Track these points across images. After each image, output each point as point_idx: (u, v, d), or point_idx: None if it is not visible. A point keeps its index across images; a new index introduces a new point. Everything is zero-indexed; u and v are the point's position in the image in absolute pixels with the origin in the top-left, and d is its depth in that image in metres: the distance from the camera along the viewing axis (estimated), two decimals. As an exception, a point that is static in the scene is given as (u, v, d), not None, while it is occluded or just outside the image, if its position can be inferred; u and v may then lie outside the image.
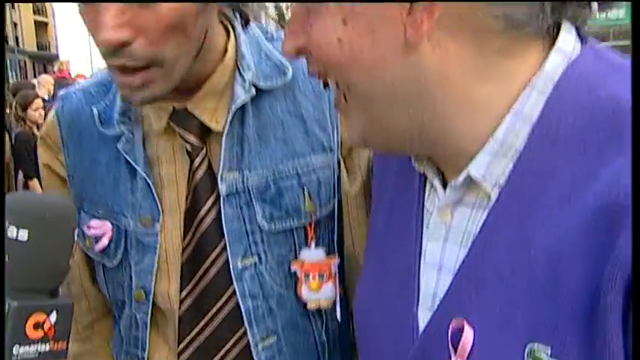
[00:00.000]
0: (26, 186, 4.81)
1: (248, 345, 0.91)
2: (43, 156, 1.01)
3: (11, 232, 0.62)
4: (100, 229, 0.94)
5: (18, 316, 0.62)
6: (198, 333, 0.91)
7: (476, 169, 0.57)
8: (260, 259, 0.90)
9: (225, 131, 0.88)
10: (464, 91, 0.56)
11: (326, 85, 0.64)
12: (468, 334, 0.55)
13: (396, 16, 0.54)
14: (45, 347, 0.64)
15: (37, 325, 0.63)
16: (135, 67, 0.76)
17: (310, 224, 0.91)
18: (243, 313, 0.90)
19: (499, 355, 0.53)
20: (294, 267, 0.91)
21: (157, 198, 0.91)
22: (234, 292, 0.90)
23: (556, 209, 0.52)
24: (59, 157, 0.98)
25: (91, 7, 0.74)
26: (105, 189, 0.95)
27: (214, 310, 0.91)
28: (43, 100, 5.73)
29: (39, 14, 42.02)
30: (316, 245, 0.91)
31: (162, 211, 0.92)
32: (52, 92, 7.08)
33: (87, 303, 1.05)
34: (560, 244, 0.50)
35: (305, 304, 0.92)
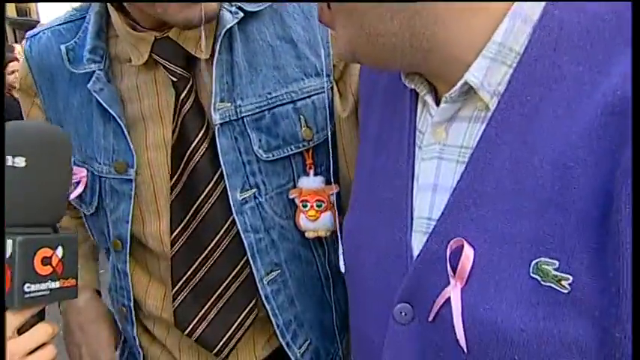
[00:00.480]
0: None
1: (247, 279, 0.89)
2: (23, 104, 0.97)
3: (9, 161, 0.60)
4: (77, 175, 0.91)
5: (25, 251, 0.60)
6: (195, 271, 0.89)
7: (473, 75, 0.52)
8: (259, 190, 0.87)
9: (215, 59, 0.83)
10: None
11: None
12: (468, 254, 0.52)
13: None
14: (55, 284, 0.63)
15: (45, 261, 0.62)
16: None
17: (308, 150, 0.87)
18: (246, 247, 0.87)
19: (502, 273, 0.50)
20: (292, 195, 0.88)
21: (129, 140, 0.87)
22: (230, 226, 0.87)
23: (561, 115, 0.48)
24: (36, 101, 0.95)
25: None
26: (79, 133, 0.91)
27: (211, 246, 0.88)
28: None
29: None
30: (315, 173, 0.88)
31: (146, 147, 0.88)
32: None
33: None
34: (567, 150, 0.47)
35: (303, 233, 0.89)
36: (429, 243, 0.57)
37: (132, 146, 0.87)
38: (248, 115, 0.85)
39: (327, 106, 0.86)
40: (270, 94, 0.85)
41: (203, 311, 0.89)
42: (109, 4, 0.86)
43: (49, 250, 0.62)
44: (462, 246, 0.52)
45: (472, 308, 0.51)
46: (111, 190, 0.90)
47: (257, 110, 0.85)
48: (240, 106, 0.84)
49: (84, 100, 0.89)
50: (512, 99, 0.51)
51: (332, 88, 0.88)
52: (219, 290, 0.89)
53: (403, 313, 0.58)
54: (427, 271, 0.56)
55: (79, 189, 0.91)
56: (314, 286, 0.96)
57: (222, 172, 0.85)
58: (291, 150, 0.87)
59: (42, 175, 0.62)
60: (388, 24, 0.53)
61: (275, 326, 0.91)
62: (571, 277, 0.45)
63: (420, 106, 0.64)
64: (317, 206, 0.86)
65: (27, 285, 0.61)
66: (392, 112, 0.67)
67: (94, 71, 0.87)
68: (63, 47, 0.89)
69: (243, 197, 0.86)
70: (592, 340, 0.45)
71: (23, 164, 0.61)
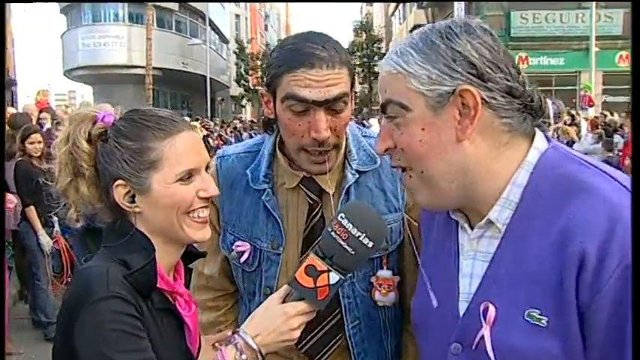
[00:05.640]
0: (23, 212, 5.20)
1: (338, 324, 1.47)
2: None
3: (362, 237, 1.14)
4: (243, 247, 1.51)
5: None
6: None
7: (493, 215, 1.05)
8: (354, 274, 1.46)
9: (341, 198, 1.47)
10: (487, 169, 1.05)
11: (404, 170, 1.12)
12: (492, 310, 1.01)
13: (451, 124, 1.03)
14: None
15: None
16: (326, 150, 1.39)
17: (385, 255, 1.48)
18: (342, 307, 1.46)
19: (510, 319, 0.98)
20: (373, 279, 1.46)
21: (282, 231, 1.49)
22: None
23: (538, 237, 1.00)
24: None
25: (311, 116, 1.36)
26: (247, 221, 1.52)
27: None
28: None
29: None
30: (387, 268, 1.46)
31: (286, 239, 1.48)
32: (36, 119, 7.57)
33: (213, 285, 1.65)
34: (541, 254, 0.99)
35: (376, 303, 1.46)
36: (470, 306, 1.06)
37: (284, 234, 1.47)
38: None
39: (400, 230, 1.49)
40: None
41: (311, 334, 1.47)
42: (279, 150, 1.52)
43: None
44: (489, 306, 1.00)
45: (496, 340, 0.99)
46: (267, 258, 1.52)
47: None
48: None
49: (252, 203, 1.52)
50: (513, 228, 1.04)
51: (403, 218, 1.50)
52: (321, 326, 1.47)
53: (456, 349, 1.08)
54: (469, 321, 1.06)
55: (245, 256, 1.52)
56: (377, 332, 1.54)
57: None
58: (378, 254, 1.46)
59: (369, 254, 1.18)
60: (452, 188, 1.05)
61: (352, 353, 1.50)
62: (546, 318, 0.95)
63: (460, 229, 1.16)
64: (387, 288, 1.36)
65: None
66: (445, 233, 1.21)
67: (265, 189, 1.50)
68: (249, 172, 1.53)
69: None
70: (562, 353, 0.93)
71: (370, 245, 1.13)
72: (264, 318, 1.17)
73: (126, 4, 28.34)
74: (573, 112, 13.84)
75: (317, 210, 1.49)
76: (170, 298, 1.22)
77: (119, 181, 1.17)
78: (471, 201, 1.08)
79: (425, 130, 1.04)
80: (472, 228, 1.11)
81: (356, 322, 1.50)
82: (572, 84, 20.32)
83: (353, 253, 1.12)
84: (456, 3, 25.00)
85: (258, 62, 39.13)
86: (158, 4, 26.56)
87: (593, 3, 16.77)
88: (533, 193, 1.03)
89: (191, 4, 31.52)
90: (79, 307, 1.06)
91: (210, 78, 29.63)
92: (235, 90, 39.32)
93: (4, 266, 4.56)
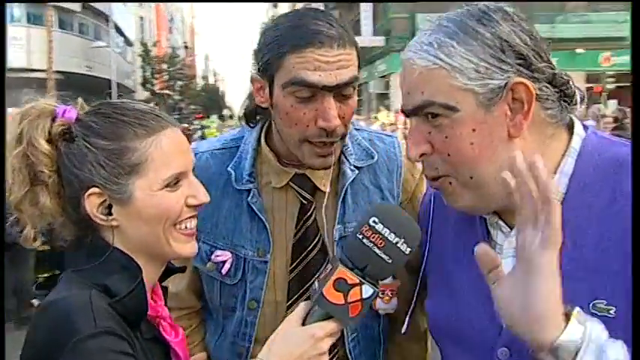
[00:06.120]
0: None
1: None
2: None
3: (400, 244, 0.97)
4: (223, 257, 1.34)
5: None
6: None
7: None
8: None
9: (340, 197, 1.34)
10: None
11: (435, 179, 1.01)
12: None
13: (503, 121, 0.94)
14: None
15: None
16: (333, 141, 1.23)
17: None
18: None
19: None
20: None
21: (270, 236, 1.32)
22: None
23: (595, 225, 0.94)
24: None
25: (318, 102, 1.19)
26: (227, 227, 1.34)
27: None
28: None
29: None
30: None
31: (273, 244, 1.32)
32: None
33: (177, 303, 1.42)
34: (602, 243, 0.92)
35: (377, 312, 1.32)
36: None
37: (271, 239, 1.32)
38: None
39: None
40: None
41: None
42: (265, 145, 1.35)
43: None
44: None
45: None
46: (252, 267, 1.34)
47: None
48: (348, 227, 1.32)
49: (232, 205, 1.35)
50: (564, 220, 0.90)
51: None
52: None
53: (504, 354, 0.99)
54: None
55: (227, 267, 1.34)
56: (371, 343, 1.42)
57: None
58: None
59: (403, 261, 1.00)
60: (498, 189, 0.93)
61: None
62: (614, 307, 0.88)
63: (491, 228, 1.06)
64: (390, 294, 1.26)
65: None
66: (463, 233, 1.11)
67: (250, 189, 1.33)
68: (231, 170, 1.35)
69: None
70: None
71: (408, 252, 0.97)
72: (288, 344, 0.98)
73: (23, 5, 26.68)
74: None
75: (310, 211, 1.33)
76: (154, 324, 1.05)
77: (93, 189, 0.98)
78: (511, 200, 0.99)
79: (476, 131, 0.94)
80: (508, 226, 1.03)
81: (354, 335, 1.38)
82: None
83: (390, 261, 0.98)
84: (362, 4, 25.48)
85: (164, 65, 38.08)
86: (59, 4, 25.27)
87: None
88: (580, 182, 0.97)
89: (93, 4, 30.24)
90: (58, 347, 0.87)
91: (116, 82, 28.42)
92: (142, 94, 37.96)
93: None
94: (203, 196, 1.05)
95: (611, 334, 0.87)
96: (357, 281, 0.97)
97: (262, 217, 1.33)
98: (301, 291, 1.32)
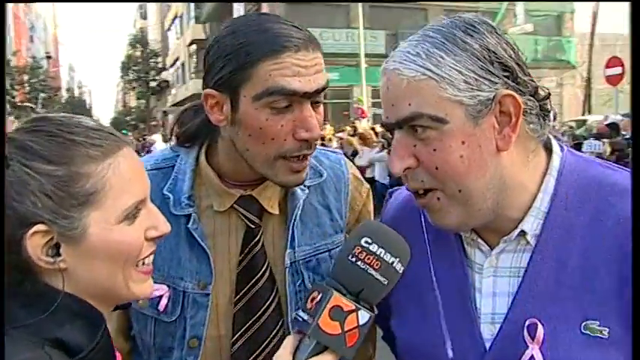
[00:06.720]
0: None
1: None
2: None
3: (393, 261, 0.88)
4: (160, 291, 1.16)
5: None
6: None
7: (526, 226, 0.95)
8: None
9: (293, 220, 1.22)
10: (519, 180, 0.94)
11: (426, 191, 0.95)
12: (540, 328, 0.89)
13: (490, 134, 0.91)
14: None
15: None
16: (310, 154, 1.11)
17: None
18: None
19: (563, 334, 0.88)
20: None
21: (212, 265, 1.17)
22: (281, 330, 1.19)
23: (581, 245, 0.91)
24: None
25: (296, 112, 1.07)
26: (163, 257, 1.16)
27: (264, 344, 1.17)
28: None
29: None
30: None
31: (215, 275, 1.17)
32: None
33: None
34: (591, 263, 0.90)
35: None
36: (506, 326, 0.93)
37: (213, 270, 1.17)
38: (301, 260, 1.22)
39: None
40: (315, 244, 1.24)
41: None
42: (206, 165, 1.19)
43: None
44: (536, 323, 0.89)
45: (550, 358, 0.88)
46: (193, 301, 1.18)
47: (307, 255, 1.23)
48: (297, 252, 1.21)
49: (170, 233, 1.09)
50: (545, 237, 0.94)
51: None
52: None
53: None
54: (505, 344, 0.93)
55: (164, 302, 1.16)
56: None
57: (279, 297, 1.18)
58: None
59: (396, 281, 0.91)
60: (486, 204, 0.92)
61: None
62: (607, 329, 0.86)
63: (468, 247, 1.03)
64: None
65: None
66: (442, 252, 1.06)
67: (190, 214, 1.16)
68: (167, 193, 1.18)
69: (296, 314, 1.16)
70: None
71: (401, 271, 0.89)
72: None
73: None
74: (357, 123, 14.78)
75: (258, 237, 1.20)
76: None
77: (37, 227, 0.79)
78: (496, 216, 0.96)
79: (465, 144, 0.90)
80: (487, 244, 1.00)
81: None
82: (346, 97, 21.62)
83: (386, 283, 0.90)
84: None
85: (25, 77, 35.32)
86: None
87: (360, 23, 18.21)
88: (562, 201, 0.96)
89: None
90: None
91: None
92: (0, 107, 34.73)
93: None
94: (164, 226, 0.91)
95: (606, 356, 0.87)
96: (353, 307, 0.89)
97: (203, 245, 1.17)
98: (248, 324, 1.18)
